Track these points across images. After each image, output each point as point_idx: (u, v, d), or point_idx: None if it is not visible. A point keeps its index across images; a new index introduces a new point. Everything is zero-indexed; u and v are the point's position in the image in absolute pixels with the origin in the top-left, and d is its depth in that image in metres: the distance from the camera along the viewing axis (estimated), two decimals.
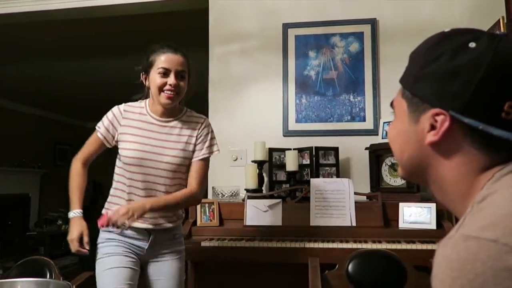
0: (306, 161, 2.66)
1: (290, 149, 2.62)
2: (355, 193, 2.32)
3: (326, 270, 1.80)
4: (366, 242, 2.14)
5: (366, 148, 2.58)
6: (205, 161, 1.77)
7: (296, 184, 2.55)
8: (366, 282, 1.78)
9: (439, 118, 0.61)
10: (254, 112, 2.87)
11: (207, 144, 1.76)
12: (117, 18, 3.58)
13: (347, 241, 2.15)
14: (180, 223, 1.85)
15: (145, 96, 1.80)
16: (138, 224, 1.67)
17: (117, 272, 1.63)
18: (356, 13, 2.86)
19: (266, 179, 2.68)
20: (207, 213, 2.39)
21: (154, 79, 1.66)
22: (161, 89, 1.65)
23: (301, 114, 2.85)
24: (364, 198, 2.46)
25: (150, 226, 1.71)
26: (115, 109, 1.76)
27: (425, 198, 2.31)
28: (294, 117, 2.86)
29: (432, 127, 0.63)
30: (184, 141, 1.72)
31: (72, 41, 4.52)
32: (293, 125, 2.85)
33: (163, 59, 1.65)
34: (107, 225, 1.53)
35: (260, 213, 2.34)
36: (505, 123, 0.58)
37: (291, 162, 2.54)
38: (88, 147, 1.79)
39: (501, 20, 1.95)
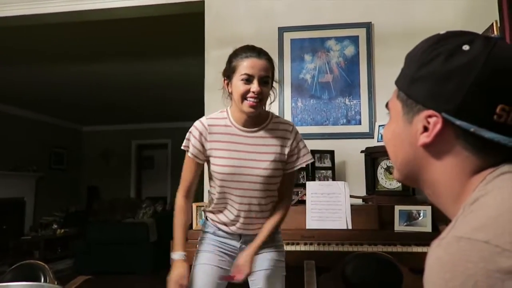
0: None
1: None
2: (351, 196, 2.32)
3: (322, 273, 1.80)
4: (361, 245, 2.14)
5: (362, 151, 2.59)
6: (297, 171, 1.75)
7: None
8: (361, 285, 1.78)
9: (432, 120, 0.62)
10: None
11: (301, 153, 1.70)
12: (113, 22, 3.58)
13: (342, 244, 2.15)
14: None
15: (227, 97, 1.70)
16: (226, 229, 1.72)
17: (206, 268, 1.67)
18: (351, 17, 2.87)
19: None
20: (203, 217, 2.38)
21: (237, 86, 1.55)
22: (244, 96, 1.55)
23: (297, 118, 2.86)
24: (359, 201, 2.46)
25: (239, 233, 1.72)
26: (199, 125, 1.65)
27: (421, 201, 2.32)
28: (290, 120, 2.86)
29: (425, 129, 0.63)
30: (273, 151, 1.64)
31: (68, 45, 4.52)
32: None
33: (246, 65, 1.55)
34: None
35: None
36: (497, 125, 0.58)
37: None
38: (186, 175, 1.70)
39: (494, 24, 1.97)
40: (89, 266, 5.34)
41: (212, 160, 1.64)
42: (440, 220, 2.22)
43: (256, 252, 1.63)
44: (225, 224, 1.72)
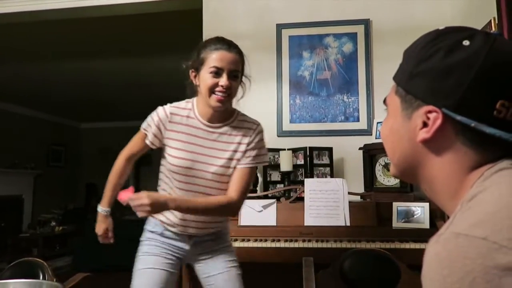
0: (300, 161, 2.67)
1: (284, 149, 2.62)
2: (349, 193, 2.33)
3: (320, 270, 1.80)
4: (360, 241, 2.15)
5: (360, 148, 2.59)
6: (251, 170, 1.61)
7: (290, 184, 2.56)
8: (360, 281, 1.78)
9: (432, 116, 0.62)
10: (248, 112, 2.84)
11: (256, 152, 1.61)
12: (111, 19, 3.57)
13: (341, 241, 2.16)
14: (225, 225, 1.76)
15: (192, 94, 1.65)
16: (175, 230, 1.64)
17: (151, 273, 1.59)
18: (349, 14, 2.87)
19: (260, 179, 2.69)
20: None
21: (205, 79, 1.50)
22: (212, 90, 1.49)
23: (295, 115, 2.86)
24: (358, 198, 2.47)
25: (188, 233, 1.65)
26: (161, 112, 1.60)
27: (419, 198, 2.32)
28: (288, 117, 2.86)
29: (424, 125, 0.63)
30: (232, 149, 1.59)
31: (66, 42, 4.50)
32: (287, 126, 2.85)
33: (215, 57, 1.48)
34: (126, 204, 1.44)
35: (254, 213, 2.34)
36: (497, 121, 0.59)
37: (285, 162, 2.54)
38: (133, 146, 1.68)
39: (492, 21, 1.97)
40: (87, 263, 5.34)
41: (167, 150, 1.60)
42: (438, 217, 2.23)
43: (161, 210, 1.49)
44: (173, 225, 1.64)
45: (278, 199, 2.43)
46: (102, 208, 1.76)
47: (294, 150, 2.66)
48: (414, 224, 2.21)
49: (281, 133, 2.84)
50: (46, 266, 1.82)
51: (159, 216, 1.66)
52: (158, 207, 1.43)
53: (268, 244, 2.15)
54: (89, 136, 9.29)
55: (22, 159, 7.32)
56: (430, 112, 0.62)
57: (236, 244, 2.17)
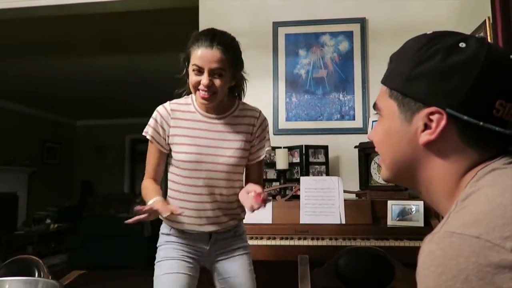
0: (296, 159, 2.67)
1: (280, 147, 2.63)
2: (345, 191, 2.34)
3: (315, 267, 1.81)
4: (355, 239, 2.16)
5: (356, 147, 2.61)
6: (262, 162, 1.68)
7: (286, 182, 2.56)
8: (354, 279, 1.79)
9: (435, 117, 0.62)
10: None
11: (263, 143, 1.63)
12: (107, 16, 3.56)
13: (336, 239, 2.17)
14: (242, 220, 1.72)
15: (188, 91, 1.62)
16: (193, 227, 1.58)
17: (174, 278, 1.54)
18: (345, 12, 2.88)
19: None
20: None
21: (190, 75, 1.49)
22: (195, 87, 1.48)
23: (291, 113, 2.86)
24: (353, 196, 2.48)
25: (209, 229, 1.60)
26: (161, 109, 1.57)
27: (413, 196, 2.34)
28: (284, 115, 2.87)
29: (426, 127, 0.63)
30: (239, 138, 1.58)
31: (62, 39, 4.48)
32: (283, 124, 2.86)
33: (196, 55, 1.45)
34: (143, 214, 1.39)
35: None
36: (496, 120, 0.60)
37: (281, 161, 2.55)
38: (150, 163, 1.60)
39: (487, 21, 1.98)
40: (83, 261, 5.33)
41: (174, 147, 1.56)
42: (432, 215, 2.24)
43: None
44: (190, 223, 1.59)
45: (274, 197, 2.43)
46: (157, 197, 1.51)
47: (290, 148, 2.66)
48: (409, 222, 2.23)
49: (277, 131, 2.85)
50: (42, 263, 1.82)
51: (172, 222, 1.61)
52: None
53: (264, 242, 2.16)
54: (84, 134, 9.25)
55: (17, 156, 7.28)
56: (432, 113, 0.62)
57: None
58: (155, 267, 1.60)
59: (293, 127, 2.85)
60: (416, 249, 0.55)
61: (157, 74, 5.66)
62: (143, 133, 1.58)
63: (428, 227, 2.17)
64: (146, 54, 4.97)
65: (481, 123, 0.60)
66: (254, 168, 1.66)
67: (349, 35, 2.86)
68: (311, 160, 2.66)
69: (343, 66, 2.84)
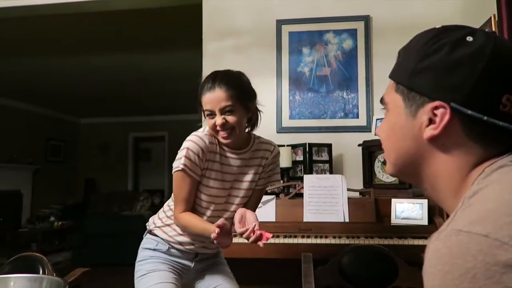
0: (300, 157, 2.67)
1: (283, 145, 2.62)
2: (348, 189, 2.33)
3: (319, 266, 1.81)
4: (358, 237, 2.16)
5: (359, 145, 2.60)
6: (264, 190, 1.75)
7: (289, 180, 2.56)
8: (358, 277, 1.79)
9: (439, 112, 0.61)
10: None
11: (273, 172, 1.70)
12: (110, 13, 3.56)
13: (340, 237, 2.16)
14: None
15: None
16: (182, 248, 1.64)
17: (168, 287, 1.56)
18: (349, 10, 2.87)
19: None
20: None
21: (207, 120, 1.53)
22: (214, 129, 1.51)
23: (295, 111, 2.86)
24: (357, 194, 2.47)
25: (203, 251, 1.67)
26: (199, 141, 1.51)
27: (417, 194, 2.33)
28: (287, 113, 2.86)
29: (430, 121, 0.63)
30: (253, 171, 1.64)
31: (65, 37, 4.49)
32: (286, 122, 2.86)
33: (204, 101, 1.50)
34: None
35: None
36: (502, 115, 0.59)
37: (284, 159, 2.54)
38: (184, 195, 1.54)
39: (492, 18, 1.96)
40: (86, 258, 5.35)
41: (204, 180, 1.56)
42: (436, 214, 2.24)
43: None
44: (181, 243, 1.63)
45: (277, 195, 2.43)
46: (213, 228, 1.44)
47: (293, 147, 2.66)
48: (413, 220, 2.22)
49: (281, 129, 2.85)
50: (46, 261, 1.82)
51: (165, 235, 1.65)
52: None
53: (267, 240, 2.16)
54: (88, 132, 9.28)
55: (21, 154, 7.31)
56: (437, 108, 0.61)
57: (235, 240, 2.17)
58: (138, 281, 1.60)
59: (297, 125, 2.84)
60: (420, 248, 0.55)
61: (160, 72, 5.67)
62: (181, 166, 1.50)
63: (432, 225, 2.16)
64: (149, 52, 4.98)
65: (485, 117, 0.59)
66: (255, 193, 1.70)
67: (353, 33, 2.85)
68: (315, 158, 2.65)
69: (347, 64, 2.83)
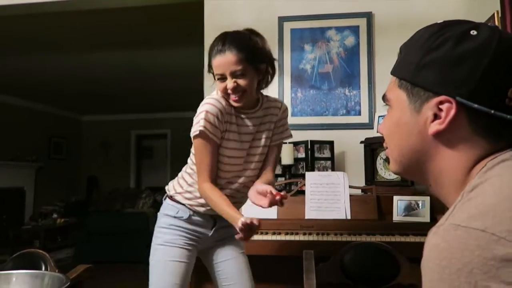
0: (302, 154, 2.67)
1: (285, 142, 2.62)
2: (350, 187, 2.33)
3: (321, 263, 1.81)
4: (360, 234, 2.15)
5: (361, 142, 2.59)
6: (280, 147, 1.76)
7: (291, 177, 2.56)
8: (360, 274, 1.79)
9: (444, 106, 0.61)
10: None
11: (284, 128, 1.72)
12: (112, 11, 3.56)
13: (341, 234, 2.16)
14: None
15: None
16: (204, 210, 1.62)
17: (176, 266, 1.59)
18: (351, 7, 2.86)
19: None
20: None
21: (217, 83, 1.52)
22: (225, 93, 1.50)
23: (297, 108, 2.86)
24: (359, 191, 2.47)
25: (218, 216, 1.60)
26: (217, 104, 1.51)
27: (419, 192, 2.33)
28: (289, 110, 2.85)
29: (435, 116, 0.62)
30: (267, 128, 1.65)
31: (67, 34, 4.49)
32: (288, 119, 2.84)
33: (215, 64, 1.48)
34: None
35: (255, 206, 2.34)
36: (508, 108, 0.59)
37: (286, 156, 2.54)
38: (206, 161, 1.52)
39: (495, 15, 1.95)
40: (89, 255, 5.37)
41: (223, 143, 1.56)
42: (439, 211, 2.23)
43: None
44: (202, 205, 1.61)
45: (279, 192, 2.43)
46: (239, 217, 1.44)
47: (295, 144, 2.66)
48: (415, 217, 2.22)
49: None
50: (48, 257, 1.83)
51: (186, 200, 1.64)
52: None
53: (269, 237, 2.16)
54: (90, 129, 9.30)
55: (23, 151, 7.33)
56: (442, 102, 0.61)
57: (237, 237, 2.17)
58: (155, 247, 1.64)
59: (299, 122, 2.84)
60: (422, 245, 0.55)
61: (162, 69, 5.68)
62: (201, 129, 1.47)
63: (434, 222, 2.14)
64: (151, 49, 4.98)
65: (493, 111, 0.58)
66: (272, 151, 1.70)
67: (355, 29, 2.84)
68: (317, 156, 2.65)
69: (349, 61, 2.83)
